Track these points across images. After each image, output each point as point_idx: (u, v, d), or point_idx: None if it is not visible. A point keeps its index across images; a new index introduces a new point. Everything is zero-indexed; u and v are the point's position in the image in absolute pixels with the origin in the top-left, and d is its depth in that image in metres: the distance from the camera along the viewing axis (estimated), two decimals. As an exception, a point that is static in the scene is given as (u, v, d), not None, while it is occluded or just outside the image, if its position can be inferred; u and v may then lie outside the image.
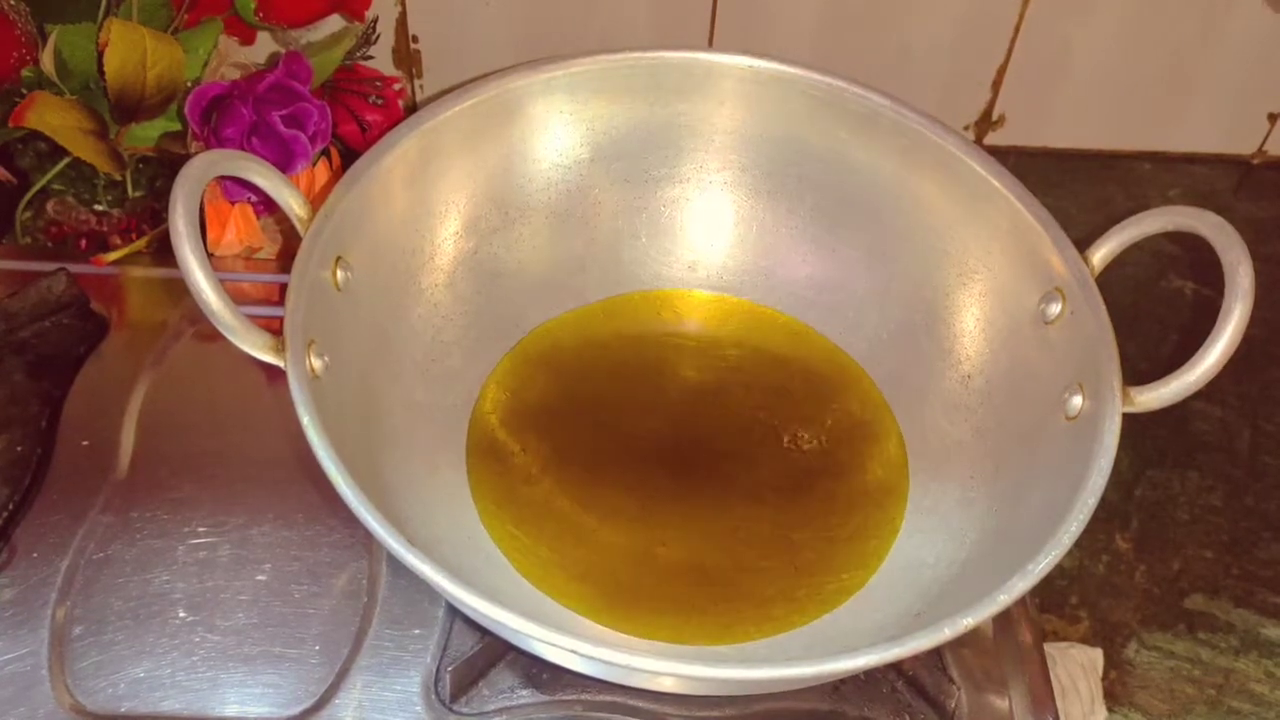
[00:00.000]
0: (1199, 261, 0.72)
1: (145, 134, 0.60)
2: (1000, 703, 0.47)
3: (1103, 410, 0.42)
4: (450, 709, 0.45)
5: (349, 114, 0.65)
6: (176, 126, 0.60)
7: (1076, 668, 0.55)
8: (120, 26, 0.56)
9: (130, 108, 0.58)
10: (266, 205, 0.60)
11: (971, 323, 0.52)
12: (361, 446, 0.44)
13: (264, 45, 0.67)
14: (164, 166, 0.63)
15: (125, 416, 0.54)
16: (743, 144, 0.56)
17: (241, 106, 0.57)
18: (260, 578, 0.49)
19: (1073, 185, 0.76)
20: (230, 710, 0.45)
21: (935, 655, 0.48)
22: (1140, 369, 0.44)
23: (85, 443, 0.53)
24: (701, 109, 0.54)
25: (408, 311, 0.52)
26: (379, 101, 0.66)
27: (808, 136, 0.54)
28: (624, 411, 0.54)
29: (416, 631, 0.47)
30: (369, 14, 0.66)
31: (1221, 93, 0.74)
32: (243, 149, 0.56)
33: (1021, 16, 0.70)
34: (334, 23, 0.66)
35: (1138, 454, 0.64)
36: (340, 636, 0.47)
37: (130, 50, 0.56)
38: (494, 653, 0.46)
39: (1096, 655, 0.56)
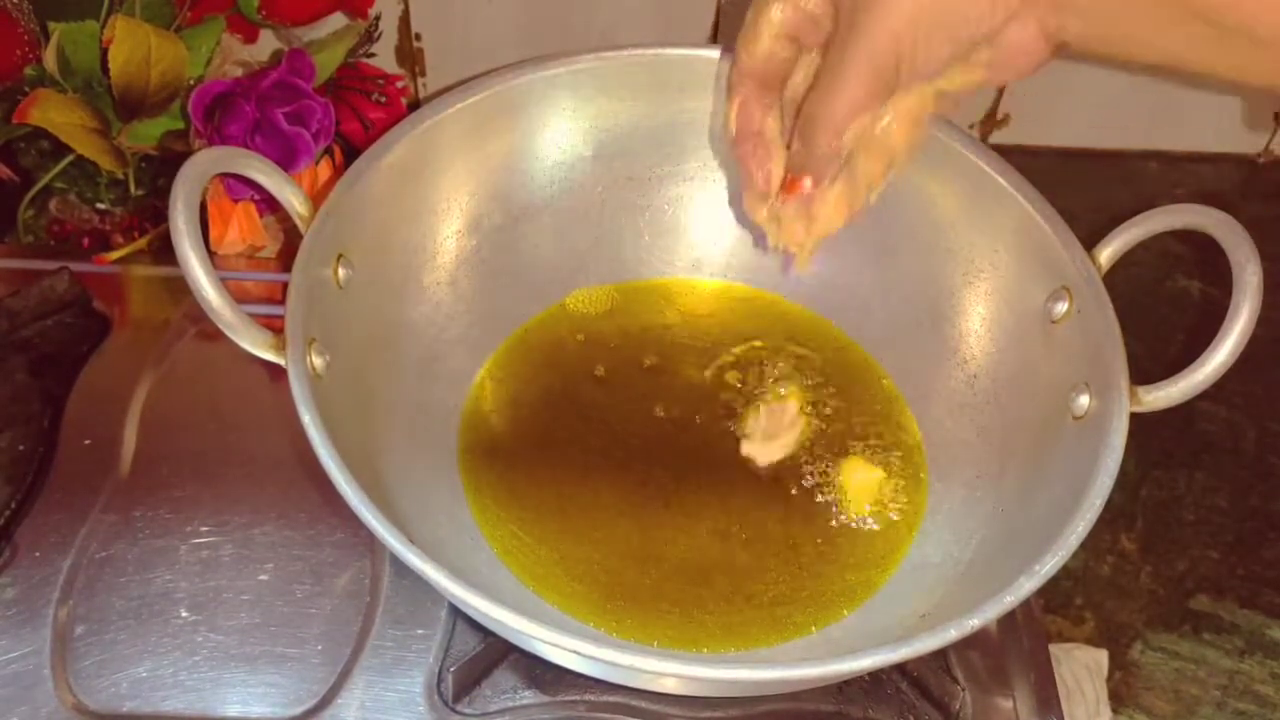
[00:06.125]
0: (1206, 261, 0.71)
1: (148, 132, 0.60)
2: (1005, 704, 0.47)
3: (1110, 410, 0.42)
4: (453, 709, 0.45)
5: (352, 112, 0.65)
6: (179, 124, 0.60)
7: (1081, 669, 0.55)
8: (125, 24, 0.56)
9: (134, 105, 0.58)
10: (269, 203, 0.60)
11: (978, 322, 0.52)
12: (362, 445, 0.44)
13: (267, 43, 0.67)
14: (166, 165, 0.63)
15: (127, 415, 0.54)
16: (747, 142, 0.55)
17: (245, 104, 0.57)
18: (263, 577, 0.48)
19: (1078, 185, 0.76)
20: (232, 710, 0.45)
21: (940, 656, 0.48)
22: (1146, 369, 0.44)
23: (87, 442, 0.53)
24: (705, 106, 0.54)
25: (409, 310, 0.52)
26: (382, 99, 0.66)
27: (812, 134, 0.54)
28: (626, 410, 0.54)
29: (419, 632, 0.47)
30: (372, 11, 0.66)
31: (1227, 92, 0.74)
32: (246, 147, 0.56)
33: (1027, 14, 0.70)
34: (337, 20, 0.66)
35: (1143, 454, 0.63)
36: (343, 636, 0.47)
37: (135, 48, 0.56)
38: (496, 653, 0.46)
39: (1101, 656, 0.56)
